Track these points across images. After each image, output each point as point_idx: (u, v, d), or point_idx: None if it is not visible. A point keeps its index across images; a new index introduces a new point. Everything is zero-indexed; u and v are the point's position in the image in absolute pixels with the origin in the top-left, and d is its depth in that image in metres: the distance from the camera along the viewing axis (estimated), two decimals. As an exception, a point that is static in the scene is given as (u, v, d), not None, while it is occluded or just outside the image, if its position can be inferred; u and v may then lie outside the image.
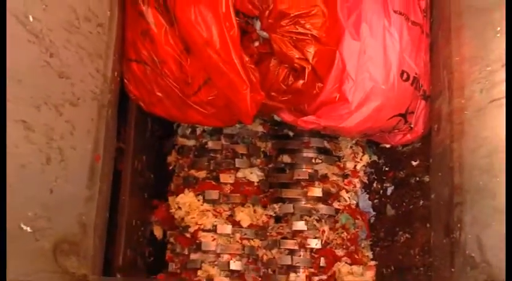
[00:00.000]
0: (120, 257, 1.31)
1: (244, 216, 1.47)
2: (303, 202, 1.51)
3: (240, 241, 1.46)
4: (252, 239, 1.47)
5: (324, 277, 1.45)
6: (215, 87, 1.27)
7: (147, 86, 1.33)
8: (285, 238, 1.49)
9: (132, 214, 1.37)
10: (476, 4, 1.20)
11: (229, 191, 1.49)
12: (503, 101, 1.09)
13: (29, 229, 0.98)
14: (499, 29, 1.11)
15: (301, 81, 1.25)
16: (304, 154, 1.54)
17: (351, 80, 1.31)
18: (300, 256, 1.46)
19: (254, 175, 1.52)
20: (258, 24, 1.26)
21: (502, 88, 1.10)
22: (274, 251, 1.49)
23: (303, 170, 1.52)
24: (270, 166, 1.57)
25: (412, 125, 1.41)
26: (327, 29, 1.24)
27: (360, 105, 1.32)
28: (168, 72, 1.28)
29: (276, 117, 1.48)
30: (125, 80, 1.34)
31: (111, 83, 1.25)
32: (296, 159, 1.54)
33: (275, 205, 1.52)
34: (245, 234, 1.46)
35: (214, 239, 1.44)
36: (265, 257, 1.49)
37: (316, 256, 1.46)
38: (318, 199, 1.51)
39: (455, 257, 1.14)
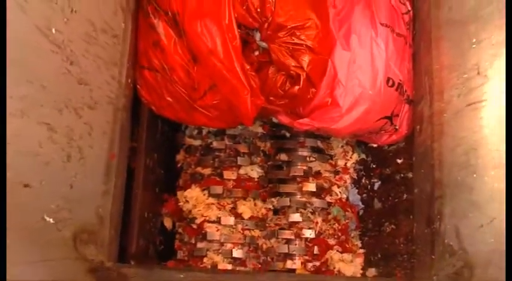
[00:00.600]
0: (133, 246, 1.31)
1: (245, 209, 1.47)
2: (299, 196, 1.51)
3: (241, 231, 1.46)
4: (253, 229, 1.47)
5: (318, 263, 1.45)
6: (219, 93, 1.26)
7: (158, 91, 1.32)
8: (282, 228, 1.49)
9: (144, 206, 1.37)
10: (453, 18, 1.20)
11: (232, 186, 1.49)
12: (479, 104, 1.10)
13: (51, 220, 0.98)
14: (474, 40, 1.12)
15: (296, 87, 1.25)
16: (300, 153, 1.54)
17: (341, 86, 1.31)
18: (295, 244, 1.46)
19: (254, 172, 1.52)
20: (257, 36, 1.26)
21: (478, 93, 1.10)
22: (272, 240, 1.49)
23: (299, 167, 1.52)
24: (269, 163, 1.57)
25: (397, 127, 1.41)
26: (320, 40, 1.24)
27: (349, 109, 1.32)
28: (177, 79, 1.27)
29: (274, 120, 1.48)
30: (138, 86, 1.34)
31: (125, 89, 1.26)
32: (292, 157, 1.53)
33: (273, 199, 1.52)
34: (246, 225, 1.47)
35: (218, 230, 1.44)
36: (264, 246, 1.49)
37: (310, 244, 1.46)
38: (312, 194, 1.51)
39: (435, 246, 1.14)
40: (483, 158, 1.07)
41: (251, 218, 1.48)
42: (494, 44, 1.06)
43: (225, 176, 1.49)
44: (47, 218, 0.97)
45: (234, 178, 1.50)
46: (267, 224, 1.52)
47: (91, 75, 1.12)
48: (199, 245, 1.45)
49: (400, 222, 1.44)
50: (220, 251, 1.44)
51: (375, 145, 1.54)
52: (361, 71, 1.31)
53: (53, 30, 0.98)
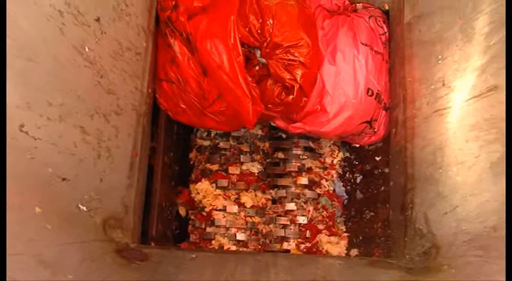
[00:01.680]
0: (153, 230, 1.31)
1: (247, 199, 1.48)
2: (293, 188, 1.51)
3: (244, 218, 1.47)
4: (254, 216, 1.48)
5: (309, 245, 1.46)
6: (225, 101, 1.27)
7: (174, 100, 1.32)
8: (279, 215, 1.50)
9: (162, 197, 1.37)
10: (423, 39, 1.21)
11: (235, 180, 1.50)
12: (444, 111, 1.10)
13: (85, 208, 0.99)
14: (440, 57, 1.12)
15: (291, 97, 1.26)
16: (294, 152, 1.54)
17: (329, 96, 1.32)
18: (290, 229, 1.47)
19: (255, 168, 1.53)
20: (258, 53, 1.27)
21: (443, 101, 1.10)
22: (271, 225, 1.50)
23: (293, 163, 1.52)
24: (268, 160, 1.57)
25: (375, 130, 1.41)
26: (310, 57, 1.24)
27: (336, 115, 1.34)
28: (190, 89, 1.28)
29: (272, 124, 1.49)
30: (157, 95, 1.34)
31: (146, 98, 1.26)
32: (288, 155, 1.54)
33: (272, 191, 1.53)
34: (248, 213, 1.47)
35: (224, 217, 1.45)
36: (264, 230, 1.50)
37: (303, 229, 1.47)
38: (305, 186, 1.51)
39: (408, 230, 1.15)
40: (448, 156, 1.07)
41: (252, 206, 1.48)
42: (456, 60, 1.07)
43: (230, 171, 1.50)
44: (81, 207, 0.98)
45: (238, 172, 1.51)
46: (266, 212, 1.52)
47: (118, 87, 1.12)
48: (208, 229, 1.46)
49: (378, 210, 1.44)
50: (226, 234, 1.45)
51: (357, 145, 1.53)
52: (345, 82, 1.32)
53: (86, 49, 0.99)
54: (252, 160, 1.54)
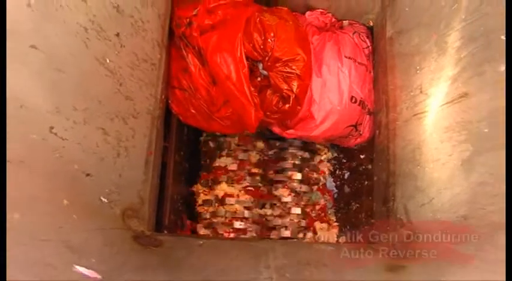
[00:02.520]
0: (166, 219, 1.31)
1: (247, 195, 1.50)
2: (289, 183, 1.52)
3: (245, 209, 1.47)
4: (255, 208, 1.49)
5: (303, 234, 1.47)
6: (231, 107, 1.28)
7: (185, 105, 1.33)
8: (277, 206, 1.50)
9: (174, 191, 1.37)
10: (403, 51, 1.22)
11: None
12: (421, 115, 1.10)
13: (106, 201, 0.99)
14: (418, 67, 1.12)
15: (287, 105, 1.27)
16: (290, 151, 1.55)
17: (316, 104, 1.33)
18: (288, 219, 1.48)
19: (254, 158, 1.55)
20: (260, 66, 1.28)
21: (421, 106, 1.10)
22: (269, 212, 1.51)
23: (289, 161, 1.53)
24: (266, 158, 1.58)
25: (361, 132, 1.42)
26: (305, 70, 1.26)
27: (323, 121, 1.34)
28: (200, 96, 1.29)
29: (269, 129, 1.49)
30: (169, 101, 1.35)
31: (159, 103, 1.26)
32: (284, 154, 1.55)
33: (271, 186, 1.54)
34: (251, 203, 1.48)
35: (227, 208, 1.46)
36: (263, 220, 1.50)
37: (297, 220, 1.48)
38: (300, 181, 1.52)
39: (390, 219, 1.15)
40: (425, 155, 1.08)
41: (254, 200, 1.49)
42: (432, 70, 1.07)
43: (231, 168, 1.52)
44: (103, 199, 0.98)
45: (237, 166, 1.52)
46: (265, 204, 1.52)
47: (135, 93, 1.12)
48: (214, 220, 1.46)
49: (362, 202, 1.45)
50: (229, 223, 1.45)
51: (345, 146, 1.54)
52: (331, 92, 1.32)
53: (107, 60, 0.99)
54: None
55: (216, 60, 1.21)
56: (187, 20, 1.25)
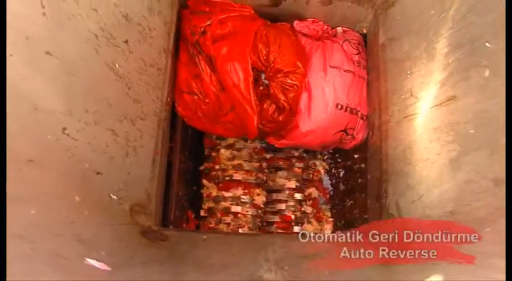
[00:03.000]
0: (172, 215, 1.31)
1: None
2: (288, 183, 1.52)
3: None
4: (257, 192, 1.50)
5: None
6: (236, 113, 1.28)
7: (192, 109, 1.33)
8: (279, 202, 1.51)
9: (179, 188, 1.37)
10: (395, 57, 1.22)
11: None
12: (412, 117, 1.10)
13: (115, 197, 0.99)
14: (408, 72, 1.12)
15: (281, 116, 1.29)
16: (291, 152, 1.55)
17: (301, 114, 1.33)
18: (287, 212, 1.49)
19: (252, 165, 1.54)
20: (263, 76, 1.28)
21: (411, 109, 1.11)
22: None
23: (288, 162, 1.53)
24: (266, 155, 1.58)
25: (354, 136, 1.41)
26: (302, 82, 1.27)
27: (311, 131, 1.35)
28: (209, 101, 1.30)
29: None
30: (176, 104, 1.35)
31: (166, 105, 1.26)
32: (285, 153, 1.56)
33: (273, 179, 1.53)
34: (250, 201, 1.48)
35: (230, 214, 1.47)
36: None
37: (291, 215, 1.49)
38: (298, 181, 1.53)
39: (382, 215, 1.15)
40: (415, 154, 1.08)
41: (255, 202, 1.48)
42: (422, 75, 1.07)
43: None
44: (112, 196, 0.98)
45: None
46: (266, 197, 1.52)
47: (142, 96, 1.12)
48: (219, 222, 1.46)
49: (356, 199, 1.45)
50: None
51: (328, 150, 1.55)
52: (316, 101, 1.33)
53: (117, 66, 1.00)
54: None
55: (226, 68, 1.23)
56: (202, 29, 1.27)
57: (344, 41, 1.39)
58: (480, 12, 0.87)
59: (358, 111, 1.37)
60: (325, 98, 1.32)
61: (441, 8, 0.99)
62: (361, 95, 1.38)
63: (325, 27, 1.45)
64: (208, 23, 1.27)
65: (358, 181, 1.44)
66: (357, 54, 1.40)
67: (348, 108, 1.35)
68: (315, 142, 1.38)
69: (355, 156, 1.48)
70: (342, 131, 1.37)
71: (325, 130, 1.35)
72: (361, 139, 1.43)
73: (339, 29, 1.46)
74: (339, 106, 1.34)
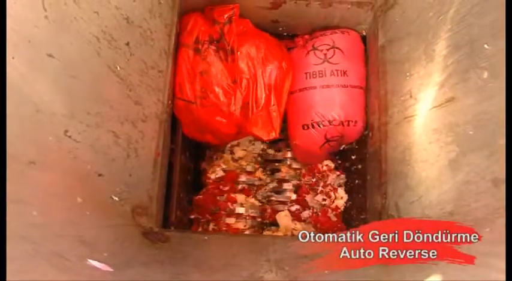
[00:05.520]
0: (173, 216, 1.30)
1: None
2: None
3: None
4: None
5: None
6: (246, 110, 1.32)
7: (184, 115, 1.35)
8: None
9: (180, 189, 1.37)
10: (394, 59, 1.22)
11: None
12: (411, 118, 1.10)
13: (117, 199, 0.99)
14: (408, 74, 1.12)
15: None
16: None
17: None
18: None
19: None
20: None
21: (410, 110, 1.10)
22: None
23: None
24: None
25: (340, 142, 1.42)
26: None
27: (296, 152, 1.40)
28: (208, 102, 1.31)
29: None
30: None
31: (166, 107, 1.26)
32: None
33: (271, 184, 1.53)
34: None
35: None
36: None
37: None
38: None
39: (382, 215, 1.15)
40: (414, 155, 1.07)
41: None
42: (421, 76, 1.07)
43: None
44: (114, 197, 0.98)
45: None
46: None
47: (143, 98, 1.12)
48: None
49: (354, 199, 1.44)
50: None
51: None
52: (290, 126, 1.39)
53: (118, 68, 1.00)
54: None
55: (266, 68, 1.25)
56: (227, 17, 1.27)
57: (310, 51, 1.39)
58: (479, 14, 0.87)
59: (331, 121, 1.35)
60: (293, 121, 1.35)
61: (440, 10, 0.99)
62: (332, 103, 1.35)
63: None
64: (232, 13, 1.28)
65: (355, 181, 1.43)
66: (321, 62, 1.37)
67: (315, 124, 1.35)
68: (309, 159, 1.41)
69: (353, 157, 1.47)
70: (324, 143, 1.38)
71: (307, 150, 1.38)
72: (351, 141, 1.42)
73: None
74: (305, 127, 1.35)
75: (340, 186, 1.49)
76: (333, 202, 1.46)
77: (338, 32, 1.40)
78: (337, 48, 1.38)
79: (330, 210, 1.44)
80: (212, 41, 1.29)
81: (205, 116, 1.31)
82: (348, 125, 1.36)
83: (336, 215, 1.44)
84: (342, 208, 1.45)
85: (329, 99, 1.35)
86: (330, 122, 1.34)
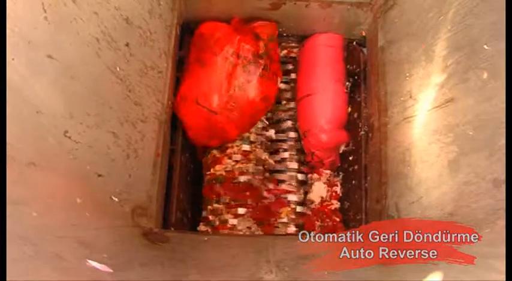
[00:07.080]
0: (173, 217, 1.30)
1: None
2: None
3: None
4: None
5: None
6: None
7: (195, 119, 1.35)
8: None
9: (180, 190, 1.36)
10: (394, 59, 1.21)
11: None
12: (411, 119, 1.10)
13: (116, 200, 0.99)
14: (407, 74, 1.12)
15: None
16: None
17: None
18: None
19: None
20: None
21: (410, 111, 1.10)
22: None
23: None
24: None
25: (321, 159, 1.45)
26: None
27: None
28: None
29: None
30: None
31: (166, 108, 1.26)
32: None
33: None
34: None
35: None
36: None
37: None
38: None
39: (382, 216, 1.15)
40: (414, 156, 1.07)
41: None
42: (420, 77, 1.07)
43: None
44: (114, 198, 0.98)
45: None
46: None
47: (143, 99, 1.12)
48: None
49: (352, 200, 1.43)
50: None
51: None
52: None
53: (118, 68, 1.00)
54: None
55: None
56: (270, 35, 1.35)
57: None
58: (478, 14, 0.87)
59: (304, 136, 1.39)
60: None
61: (439, 10, 0.99)
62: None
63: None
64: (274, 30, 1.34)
65: (352, 182, 1.43)
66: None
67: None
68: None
69: (350, 158, 1.47)
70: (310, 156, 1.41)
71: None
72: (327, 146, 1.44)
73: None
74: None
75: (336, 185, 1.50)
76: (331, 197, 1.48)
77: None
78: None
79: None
80: (256, 56, 1.31)
81: (225, 127, 1.31)
82: (306, 136, 1.40)
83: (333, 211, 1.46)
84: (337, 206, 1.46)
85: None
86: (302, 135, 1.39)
